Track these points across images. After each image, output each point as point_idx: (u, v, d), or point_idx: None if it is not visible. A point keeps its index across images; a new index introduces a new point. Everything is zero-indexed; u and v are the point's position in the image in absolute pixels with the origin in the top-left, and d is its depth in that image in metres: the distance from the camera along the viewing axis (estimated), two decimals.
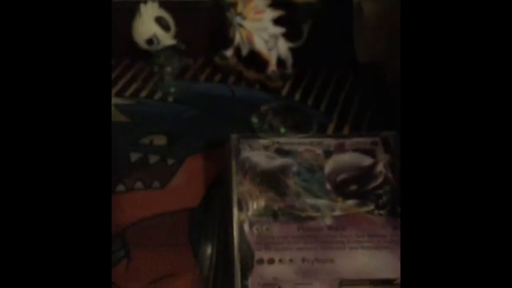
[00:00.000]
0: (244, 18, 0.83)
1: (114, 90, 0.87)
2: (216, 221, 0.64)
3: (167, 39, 0.82)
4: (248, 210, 0.57)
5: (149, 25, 0.81)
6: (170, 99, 0.85)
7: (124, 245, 0.63)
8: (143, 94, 0.86)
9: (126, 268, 0.61)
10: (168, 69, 0.86)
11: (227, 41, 0.90)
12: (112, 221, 0.65)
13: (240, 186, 0.60)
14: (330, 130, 0.81)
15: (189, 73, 0.91)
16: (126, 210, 0.67)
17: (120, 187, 0.70)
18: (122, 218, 0.66)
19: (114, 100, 0.84)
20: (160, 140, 0.77)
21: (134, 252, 0.62)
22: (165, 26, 0.81)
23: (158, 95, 0.86)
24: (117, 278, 0.59)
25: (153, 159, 0.74)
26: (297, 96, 0.88)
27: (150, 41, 0.81)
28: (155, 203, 0.68)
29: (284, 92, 0.88)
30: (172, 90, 0.85)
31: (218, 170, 0.71)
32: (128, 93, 0.87)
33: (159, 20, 0.81)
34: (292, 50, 0.89)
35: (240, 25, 0.84)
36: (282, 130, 0.78)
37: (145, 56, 0.89)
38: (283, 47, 0.88)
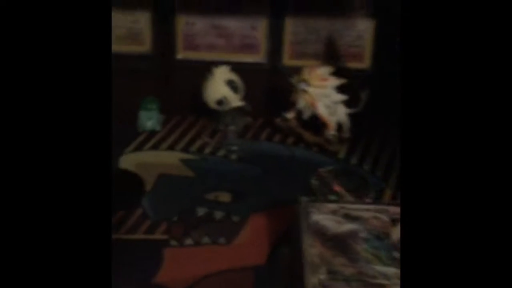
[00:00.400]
0: (308, 84, 0.88)
1: (179, 145, 0.92)
2: (283, 280, 0.66)
3: (235, 100, 0.87)
4: (320, 273, 0.59)
5: (220, 87, 0.86)
6: (233, 156, 0.89)
7: None
8: (207, 150, 0.91)
9: None
10: (232, 127, 0.90)
11: (287, 104, 0.95)
12: (181, 274, 0.68)
13: (311, 249, 0.62)
14: (387, 195, 0.83)
15: (250, 132, 0.95)
16: (194, 264, 0.70)
17: (188, 241, 0.73)
18: (191, 272, 0.69)
19: (181, 155, 0.89)
20: (224, 197, 0.80)
21: None
22: (234, 89, 0.86)
23: (221, 152, 0.90)
24: None
25: (218, 215, 0.77)
26: (354, 160, 0.91)
27: (220, 102, 0.87)
28: (221, 259, 0.71)
29: (342, 155, 0.92)
30: (235, 148, 0.89)
31: (283, 229, 0.74)
32: (193, 148, 0.91)
33: (230, 83, 0.86)
34: (349, 115, 0.94)
35: (304, 91, 0.89)
36: (341, 193, 0.80)
37: (210, 113, 0.94)
38: (342, 112, 0.92)
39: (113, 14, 1.23)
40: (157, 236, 0.73)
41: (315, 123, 0.93)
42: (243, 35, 1.13)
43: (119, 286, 0.63)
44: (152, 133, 0.93)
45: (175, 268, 0.69)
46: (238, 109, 0.89)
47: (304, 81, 0.88)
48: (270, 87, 1.01)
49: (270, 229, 0.75)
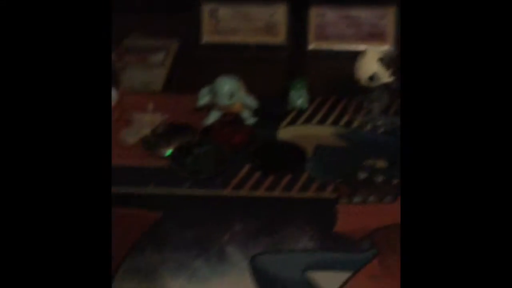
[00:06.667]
0: None
1: (328, 121, 1.00)
2: None
3: (385, 77, 0.94)
4: None
5: (372, 64, 0.93)
6: (380, 130, 0.96)
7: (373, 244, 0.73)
8: (355, 125, 0.98)
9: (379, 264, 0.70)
10: (377, 104, 0.97)
11: None
12: (355, 226, 0.76)
13: None
14: None
15: (393, 108, 1.02)
16: (364, 218, 0.78)
17: (356, 199, 0.81)
18: (363, 225, 0.76)
19: (332, 129, 0.97)
20: (381, 164, 0.88)
21: (382, 250, 0.72)
22: (386, 65, 0.93)
23: (368, 127, 0.98)
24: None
25: (379, 178, 0.85)
26: None
27: (371, 78, 0.94)
28: (388, 215, 0.78)
29: None
30: (379, 123, 0.96)
31: None
32: (341, 123, 0.99)
33: (382, 60, 0.93)
34: None
35: None
36: None
37: (354, 92, 1.01)
38: None
39: (252, 8, 1.35)
40: (327, 194, 0.82)
41: None
42: (372, 24, 1.20)
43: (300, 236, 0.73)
44: (301, 111, 1.02)
45: (349, 222, 0.77)
46: (386, 86, 0.96)
47: None
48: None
49: None
